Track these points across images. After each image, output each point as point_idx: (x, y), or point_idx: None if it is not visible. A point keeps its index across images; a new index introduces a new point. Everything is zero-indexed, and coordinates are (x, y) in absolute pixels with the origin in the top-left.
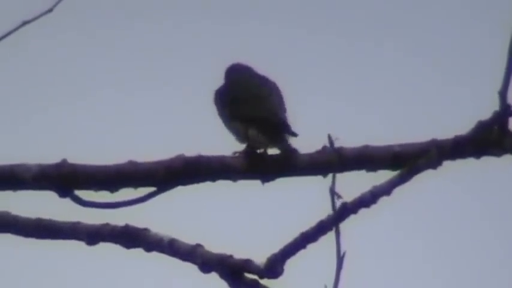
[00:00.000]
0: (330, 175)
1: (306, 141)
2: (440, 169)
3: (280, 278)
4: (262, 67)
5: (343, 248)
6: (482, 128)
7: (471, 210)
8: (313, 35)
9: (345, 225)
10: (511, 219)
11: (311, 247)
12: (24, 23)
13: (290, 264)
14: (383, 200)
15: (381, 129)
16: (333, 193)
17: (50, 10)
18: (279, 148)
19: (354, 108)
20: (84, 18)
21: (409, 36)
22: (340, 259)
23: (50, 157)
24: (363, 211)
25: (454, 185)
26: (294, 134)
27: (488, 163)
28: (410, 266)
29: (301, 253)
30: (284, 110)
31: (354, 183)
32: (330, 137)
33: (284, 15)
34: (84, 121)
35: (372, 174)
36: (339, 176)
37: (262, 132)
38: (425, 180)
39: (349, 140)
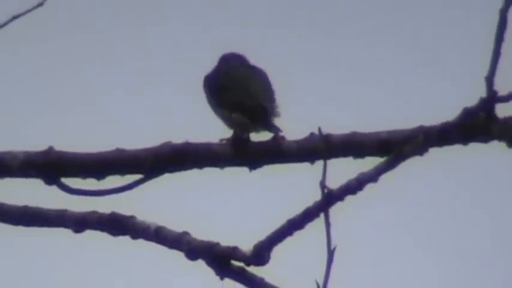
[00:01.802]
0: (318, 162)
1: (294, 128)
2: (429, 157)
3: (267, 266)
4: (251, 57)
5: (333, 243)
6: (468, 114)
7: (460, 197)
8: (300, 25)
9: (335, 219)
10: (499, 205)
11: (301, 240)
12: (14, 18)
13: (280, 256)
14: (371, 191)
15: (368, 116)
16: (323, 186)
17: (41, 4)
18: (265, 129)
19: (341, 95)
20: (75, 12)
21: (395, 24)
22: (330, 253)
23: (36, 145)
24: (353, 205)
25: (442, 172)
26: (271, 126)
27: (476, 149)
28: (400, 257)
29: (291, 244)
30: (272, 98)
31: (343, 171)
32: (319, 129)
33: (272, 12)
34: (71, 109)
35: (359, 161)
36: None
37: (245, 117)
38: (413, 169)
39: (337, 126)
